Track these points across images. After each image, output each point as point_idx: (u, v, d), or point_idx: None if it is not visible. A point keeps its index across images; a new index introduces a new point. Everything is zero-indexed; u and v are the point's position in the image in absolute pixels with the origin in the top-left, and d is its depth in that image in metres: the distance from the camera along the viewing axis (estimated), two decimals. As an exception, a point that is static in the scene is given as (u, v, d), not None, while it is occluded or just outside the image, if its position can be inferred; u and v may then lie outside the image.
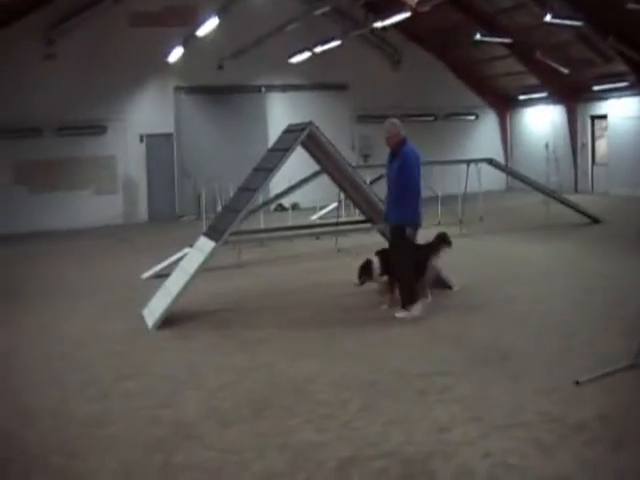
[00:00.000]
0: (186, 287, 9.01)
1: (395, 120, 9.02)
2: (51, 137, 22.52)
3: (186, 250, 11.44)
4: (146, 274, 12.24)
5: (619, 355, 6.72)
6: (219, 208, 18.94)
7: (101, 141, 23.30)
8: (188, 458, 5.12)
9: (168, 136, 24.08)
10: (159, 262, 12.46)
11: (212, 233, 9.75)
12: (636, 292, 9.52)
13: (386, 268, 9.14)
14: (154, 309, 9.20)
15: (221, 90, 24.21)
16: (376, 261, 9.17)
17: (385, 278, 9.28)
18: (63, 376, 7.26)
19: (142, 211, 23.53)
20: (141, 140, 23.77)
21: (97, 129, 23.08)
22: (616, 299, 9.33)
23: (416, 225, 8.79)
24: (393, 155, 8.94)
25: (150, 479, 4.83)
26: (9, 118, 21.58)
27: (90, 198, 22.86)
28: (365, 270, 9.20)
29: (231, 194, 12.38)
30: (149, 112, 23.82)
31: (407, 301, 8.84)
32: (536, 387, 6.22)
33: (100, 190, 23.08)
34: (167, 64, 22.39)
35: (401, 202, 8.69)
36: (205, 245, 9.56)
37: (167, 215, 23.51)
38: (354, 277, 9.30)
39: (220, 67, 22.98)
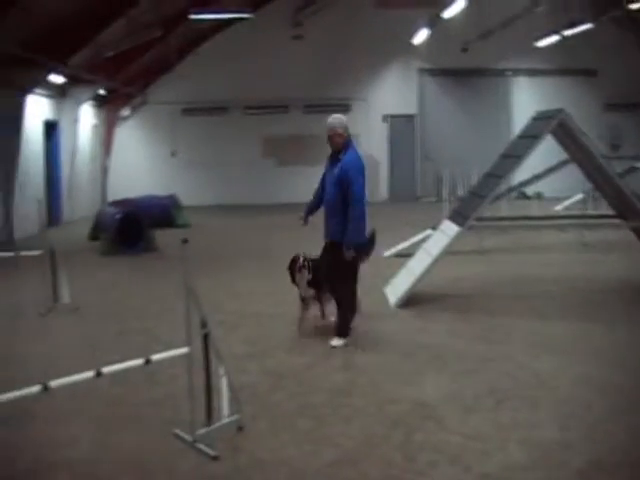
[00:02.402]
0: (429, 269, 9.08)
1: (342, 116, 7.66)
2: (297, 113, 23.54)
3: (428, 232, 11.52)
4: (387, 252, 12.47)
5: None
6: (459, 192, 18.87)
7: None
8: (428, 439, 5.15)
9: (410, 117, 24.28)
10: (399, 242, 12.65)
11: (456, 217, 9.73)
12: None
13: (315, 281, 7.78)
14: (397, 287, 9.37)
15: (465, 73, 23.99)
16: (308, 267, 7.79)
17: (311, 291, 7.87)
18: (307, 345, 7.61)
19: (382, 190, 23.99)
20: (384, 120, 24.16)
21: (341, 107, 23.69)
22: None
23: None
24: (333, 159, 7.56)
25: (390, 453, 4.91)
26: (258, 95, 22.86)
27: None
28: (290, 267, 7.85)
29: (473, 179, 12.31)
30: (392, 93, 24.14)
31: (343, 332, 7.54)
32: None
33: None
34: (411, 45, 22.50)
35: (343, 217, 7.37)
36: (449, 229, 9.55)
37: (407, 195, 23.82)
38: (600, 273, 8.83)
39: (464, 49, 22.67)
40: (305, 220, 7.80)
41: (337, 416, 5.58)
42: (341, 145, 7.43)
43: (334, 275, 7.48)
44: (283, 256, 8.45)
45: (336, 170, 7.38)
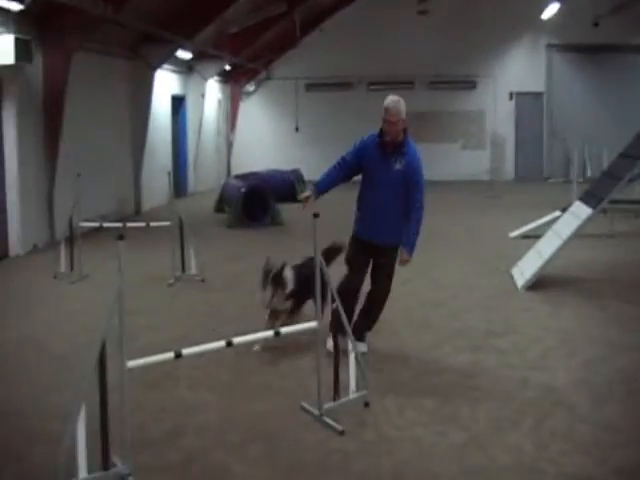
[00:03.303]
0: (558, 251, 8.81)
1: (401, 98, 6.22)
2: (422, 89, 23.25)
3: (556, 213, 11.18)
4: (513, 233, 12.21)
5: None
6: (589, 173, 18.23)
7: (470, 96, 23.56)
8: (559, 426, 5.00)
9: (538, 95, 23.58)
10: (526, 222, 12.35)
11: (589, 199, 9.38)
12: None
13: (301, 291, 6.60)
14: (524, 269, 9.14)
15: (596, 49, 23.00)
16: (290, 275, 6.60)
17: (288, 303, 6.66)
18: (435, 322, 7.56)
19: (508, 169, 23.44)
20: (510, 97, 23.59)
21: (467, 84, 23.36)
22: None
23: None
24: (389, 150, 6.24)
25: (520, 439, 4.80)
26: (382, 71, 22.71)
27: (458, 151, 23.42)
28: (273, 280, 6.50)
29: (604, 160, 11.83)
30: (519, 69, 23.52)
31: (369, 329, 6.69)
32: None
33: (468, 144, 23.49)
34: (540, 20, 21.81)
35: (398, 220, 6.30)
36: (580, 210, 9.22)
37: (534, 175, 23.23)
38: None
39: (596, 24, 21.70)
40: (315, 198, 6.38)
41: (464, 398, 5.49)
42: (402, 135, 6.20)
43: (379, 275, 6.47)
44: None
45: (398, 166, 6.18)
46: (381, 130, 6.20)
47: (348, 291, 6.25)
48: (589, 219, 8.86)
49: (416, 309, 8.06)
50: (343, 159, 6.45)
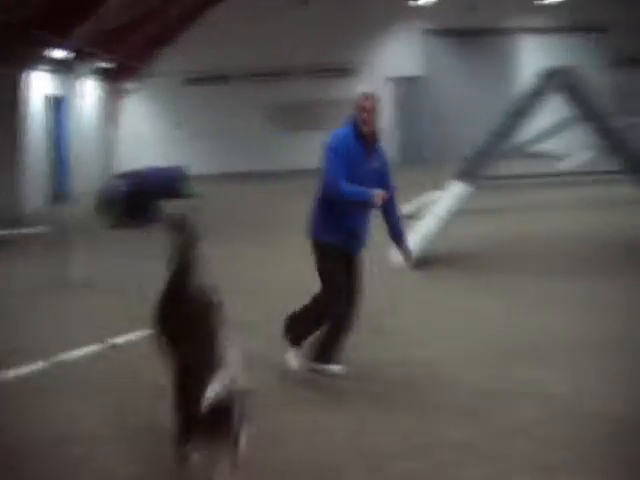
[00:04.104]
0: (439, 230, 9.04)
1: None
2: (301, 79, 23.37)
3: (435, 193, 11.44)
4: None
5: None
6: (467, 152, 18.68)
7: (351, 83, 23.79)
8: (441, 398, 5.17)
9: (416, 79, 24.05)
10: (406, 203, 12.58)
11: (464, 176, 9.68)
12: None
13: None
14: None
15: (471, 33, 23.73)
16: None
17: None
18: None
19: (392, 153, 23.67)
20: (389, 83, 23.95)
21: (345, 72, 23.59)
22: None
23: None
24: (368, 144, 5.49)
25: (406, 414, 4.92)
26: (263, 63, 22.76)
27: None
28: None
29: (480, 138, 12.15)
30: (397, 55, 23.99)
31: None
32: None
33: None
34: (417, 6, 22.29)
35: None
36: (457, 188, 9.51)
37: (415, 157, 23.53)
38: (611, 230, 8.70)
39: (471, 9, 22.35)
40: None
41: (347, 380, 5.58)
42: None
43: (357, 291, 5.69)
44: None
45: (375, 162, 5.52)
46: (354, 123, 5.46)
47: (332, 314, 5.53)
48: (465, 196, 9.14)
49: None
50: (342, 176, 5.32)
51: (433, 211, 9.73)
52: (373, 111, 5.42)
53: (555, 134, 16.98)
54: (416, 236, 9.37)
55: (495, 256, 9.66)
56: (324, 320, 5.53)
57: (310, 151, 22.50)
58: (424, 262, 8.89)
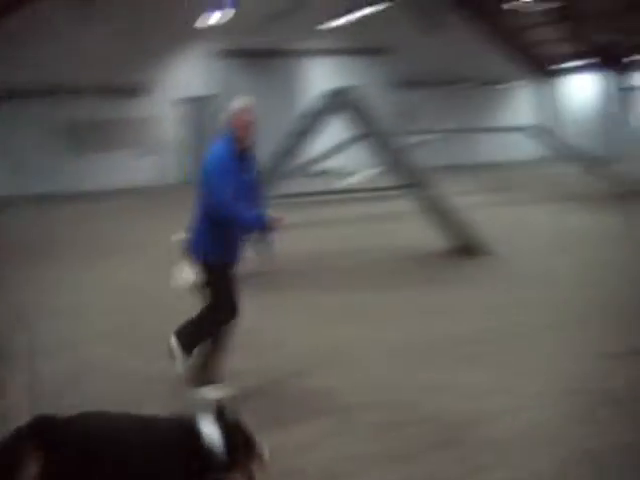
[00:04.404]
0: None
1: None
2: (90, 98, 22.64)
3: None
4: (175, 236, 12.24)
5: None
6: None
7: (139, 103, 23.39)
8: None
9: (207, 99, 24.05)
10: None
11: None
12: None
13: None
14: (188, 272, 9.17)
15: (261, 54, 24.05)
16: None
17: None
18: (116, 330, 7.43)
19: (175, 173, 23.47)
20: (178, 104, 23.82)
21: (135, 91, 23.17)
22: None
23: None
24: (246, 157, 5.59)
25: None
26: (51, 80, 21.77)
27: (127, 159, 23.01)
28: None
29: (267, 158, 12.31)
30: (187, 75, 23.83)
31: None
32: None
33: (138, 152, 23.23)
34: (205, 27, 22.28)
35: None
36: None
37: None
38: (396, 242, 9.14)
39: (261, 30, 22.65)
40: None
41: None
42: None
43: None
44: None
45: (249, 174, 5.59)
46: (231, 139, 5.48)
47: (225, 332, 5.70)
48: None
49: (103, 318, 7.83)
50: (230, 196, 5.28)
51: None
52: (252, 124, 5.52)
53: (339, 152, 17.58)
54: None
55: (288, 273, 9.79)
56: (214, 332, 5.63)
57: (100, 172, 22.15)
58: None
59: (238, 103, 5.61)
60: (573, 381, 5.62)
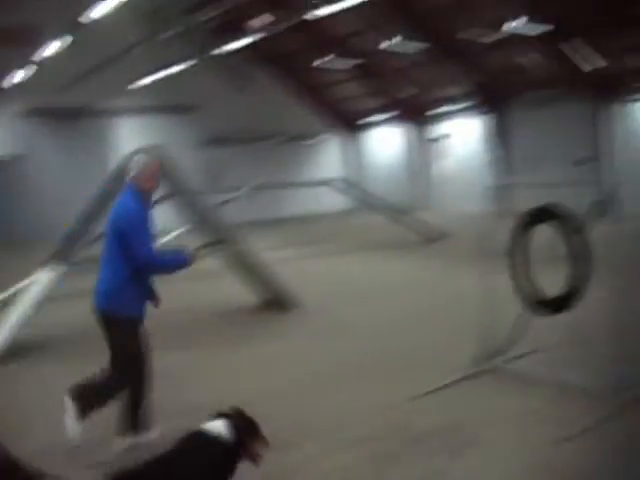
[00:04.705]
0: (31, 316, 8.81)
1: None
2: None
3: (28, 276, 11.07)
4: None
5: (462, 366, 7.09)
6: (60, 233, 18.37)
7: None
8: None
9: (8, 161, 23.22)
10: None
11: (56, 259, 9.63)
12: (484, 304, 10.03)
13: None
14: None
15: (67, 113, 23.64)
16: None
17: None
18: None
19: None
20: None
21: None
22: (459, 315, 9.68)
23: None
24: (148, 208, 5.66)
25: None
26: None
27: None
28: None
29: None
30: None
31: None
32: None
33: None
34: (9, 86, 21.69)
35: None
36: (50, 272, 9.41)
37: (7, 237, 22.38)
38: (210, 300, 9.15)
39: (65, 89, 22.28)
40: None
41: None
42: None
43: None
44: None
45: (153, 220, 5.67)
46: (136, 190, 5.50)
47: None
48: (58, 279, 9.07)
49: None
50: (150, 246, 5.47)
51: (26, 296, 9.45)
52: (157, 175, 5.62)
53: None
54: (7, 325, 9.05)
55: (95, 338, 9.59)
56: (117, 394, 5.55)
57: None
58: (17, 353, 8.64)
59: (143, 157, 5.72)
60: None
